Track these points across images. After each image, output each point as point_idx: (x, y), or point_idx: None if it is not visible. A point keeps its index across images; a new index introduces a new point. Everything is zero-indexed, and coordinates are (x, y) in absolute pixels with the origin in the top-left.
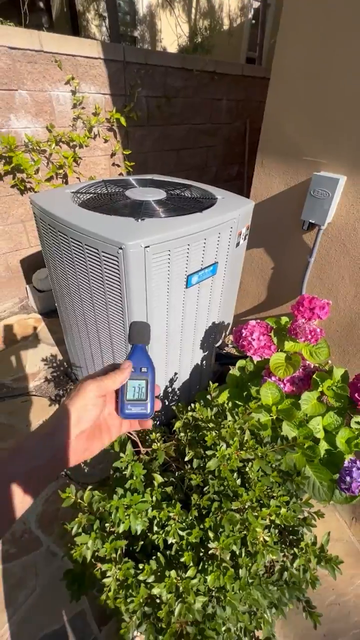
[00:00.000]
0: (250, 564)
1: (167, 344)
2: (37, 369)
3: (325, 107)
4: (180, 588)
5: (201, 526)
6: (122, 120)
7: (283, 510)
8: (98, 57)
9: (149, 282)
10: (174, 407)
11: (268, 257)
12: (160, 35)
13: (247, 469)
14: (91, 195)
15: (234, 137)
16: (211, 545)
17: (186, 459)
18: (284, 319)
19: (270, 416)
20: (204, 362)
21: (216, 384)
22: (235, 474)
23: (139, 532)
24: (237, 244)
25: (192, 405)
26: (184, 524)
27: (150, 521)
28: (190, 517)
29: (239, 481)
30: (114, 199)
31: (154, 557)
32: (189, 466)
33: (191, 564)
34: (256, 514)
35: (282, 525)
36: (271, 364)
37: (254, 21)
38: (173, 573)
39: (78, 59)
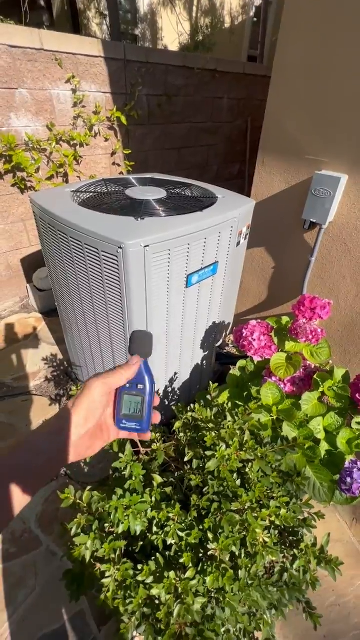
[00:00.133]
0: (249, 565)
1: (167, 343)
2: (38, 368)
3: (327, 105)
4: (180, 589)
5: (200, 527)
6: (123, 119)
7: (283, 511)
8: (99, 55)
9: (148, 282)
10: (173, 407)
11: (269, 257)
12: (161, 33)
13: (247, 470)
14: (91, 194)
15: (235, 136)
16: (210, 546)
17: (186, 459)
18: (285, 319)
19: (271, 416)
20: (205, 361)
21: (216, 384)
22: (235, 475)
23: (138, 533)
24: (238, 244)
25: (192, 405)
26: (183, 524)
27: (149, 522)
28: (190, 518)
29: (238, 482)
30: (114, 198)
31: (153, 558)
32: (189, 467)
33: (190, 564)
34: (256, 514)
35: (282, 526)
36: (272, 364)
37: (255, 19)
38: (172, 574)
39: (79, 58)
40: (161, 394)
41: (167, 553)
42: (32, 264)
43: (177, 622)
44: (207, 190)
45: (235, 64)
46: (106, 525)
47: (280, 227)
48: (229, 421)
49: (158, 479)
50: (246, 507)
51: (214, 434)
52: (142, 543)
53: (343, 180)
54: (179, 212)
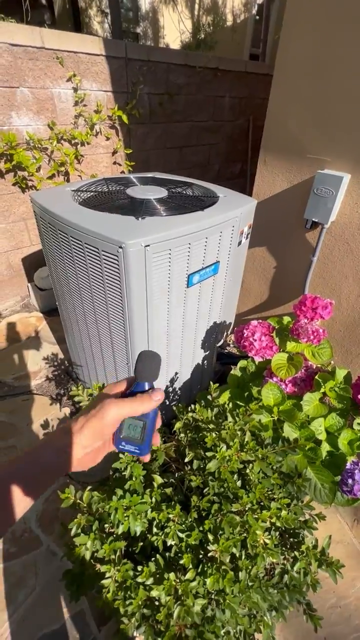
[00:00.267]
0: (250, 567)
1: (167, 343)
2: (38, 367)
3: (330, 103)
4: (180, 590)
5: (201, 528)
6: (124, 118)
7: (284, 513)
8: (100, 53)
9: (149, 282)
10: (174, 408)
11: (270, 256)
12: (163, 31)
13: (247, 471)
14: (92, 193)
15: (237, 135)
16: (211, 547)
17: (186, 460)
18: (286, 319)
19: (272, 417)
20: (205, 361)
21: (217, 384)
22: (235, 476)
23: (138, 534)
24: (239, 243)
25: (193, 406)
26: (183, 525)
27: (149, 522)
28: (190, 519)
29: (239, 483)
30: (115, 198)
31: (153, 559)
32: (189, 467)
33: (190, 566)
34: (256, 516)
35: (283, 528)
36: (273, 365)
37: (257, 17)
38: (172, 575)
39: (80, 56)
40: None
41: (167, 554)
42: (33, 263)
43: (176, 624)
44: (208, 190)
45: (237, 62)
46: (106, 525)
47: (281, 227)
48: (230, 422)
49: (158, 479)
50: (247, 509)
51: (214, 435)
52: (142, 544)
53: (345, 180)
54: (180, 211)
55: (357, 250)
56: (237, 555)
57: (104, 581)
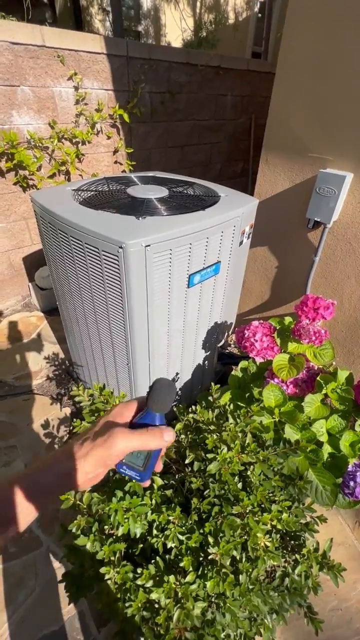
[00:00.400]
0: (250, 570)
1: (168, 344)
2: (39, 367)
3: (332, 102)
4: (179, 593)
5: (201, 531)
6: (125, 117)
7: (285, 515)
8: (101, 52)
9: (149, 282)
10: (174, 409)
11: (272, 256)
12: (164, 29)
13: (248, 473)
14: (92, 193)
15: (239, 133)
16: (211, 550)
17: (187, 461)
18: (288, 319)
19: (273, 418)
20: (206, 362)
21: (218, 385)
22: (236, 478)
23: (138, 536)
24: (241, 243)
25: (193, 407)
26: (183, 528)
27: (149, 524)
28: (190, 521)
29: (240, 485)
30: (115, 197)
31: (152, 561)
32: (190, 469)
33: (190, 568)
34: (257, 518)
35: (284, 530)
36: (274, 366)
37: (260, 15)
38: (172, 578)
39: (81, 54)
40: None
41: (167, 556)
42: (33, 263)
43: (176, 627)
44: (209, 189)
45: (239, 60)
46: (106, 527)
47: (283, 226)
48: (231, 423)
49: (158, 481)
50: (247, 511)
51: (215, 436)
52: (142, 545)
53: (348, 179)
54: (180, 211)
55: None
56: (238, 557)
57: (103, 583)
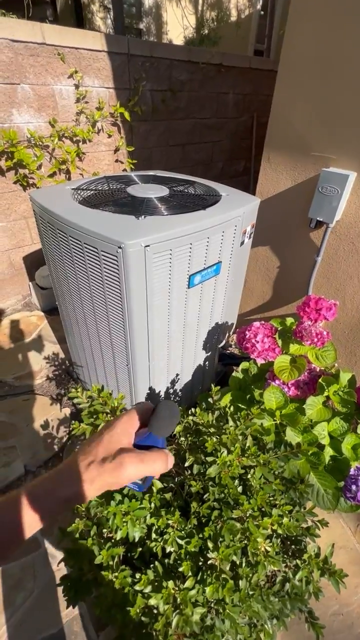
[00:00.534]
0: (250, 575)
1: (168, 345)
2: (39, 367)
3: (335, 100)
4: (178, 599)
5: (200, 535)
6: (126, 115)
7: (285, 520)
8: (102, 49)
9: (149, 282)
10: None
11: (274, 256)
12: (166, 27)
13: (248, 476)
14: (92, 192)
15: (241, 132)
16: (210, 555)
17: (186, 464)
18: (290, 320)
19: (274, 421)
20: (207, 362)
21: (218, 387)
22: (236, 481)
23: (136, 539)
24: (242, 243)
25: (193, 409)
26: (182, 532)
27: (148, 528)
28: (190, 525)
29: (240, 489)
30: (115, 196)
31: (151, 566)
32: (189, 472)
33: (190, 573)
34: (257, 523)
35: (285, 535)
36: (275, 367)
37: (262, 12)
38: (171, 583)
39: (81, 52)
40: (162, 396)
41: (166, 561)
42: (34, 262)
43: (175, 633)
44: (210, 188)
45: (241, 58)
46: (104, 530)
47: (285, 226)
48: (231, 426)
49: (158, 484)
50: (247, 515)
51: (215, 439)
52: (141, 549)
53: (351, 178)
54: (181, 210)
55: None
56: (238, 562)
57: (101, 588)
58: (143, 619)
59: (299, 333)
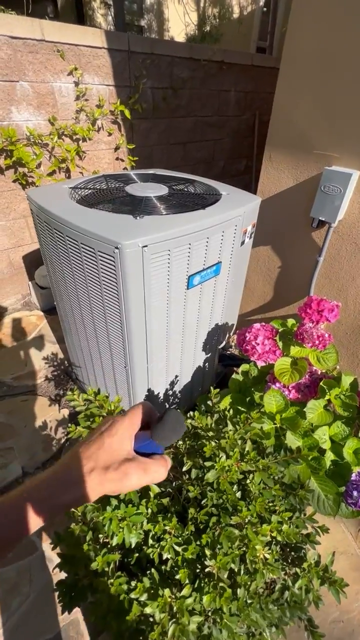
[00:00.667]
0: (249, 583)
1: (167, 346)
2: (38, 367)
3: (338, 97)
4: (175, 608)
5: (198, 542)
6: (127, 113)
7: (285, 527)
8: (102, 46)
9: (147, 283)
10: None
11: (275, 256)
12: (167, 24)
13: (247, 482)
14: (89, 191)
15: (243, 130)
16: (208, 563)
17: (184, 469)
18: (291, 321)
19: (274, 424)
20: (207, 364)
21: (217, 390)
22: (235, 487)
23: (133, 545)
24: (242, 243)
25: (192, 412)
26: (180, 538)
27: (145, 534)
28: (187, 532)
29: (239, 494)
30: (113, 195)
31: (148, 573)
32: (187, 476)
33: (187, 581)
34: (256, 530)
35: (284, 542)
36: (276, 370)
37: (265, 9)
38: (167, 592)
39: (81, 49)
40: (161, 398)
41: (162, 567)
42: (33, 261)
43: None
44: (210, 187)
45: (243, 55)
46: (100, 536)
47: (287, 226)
48: (230, 430)
49: (155, 489)
50: (246, 522)
51: (213, 444)
52: (137, 555)
53: (354, 177)
54: (180, 210)
55: None
56: (236, 570)
57: (97, 594)
58: (139, 627)
59: (300, 335)
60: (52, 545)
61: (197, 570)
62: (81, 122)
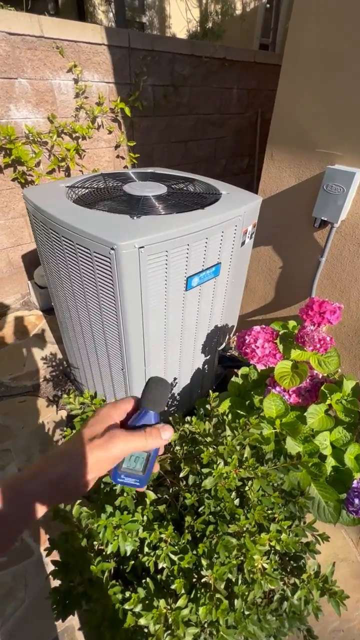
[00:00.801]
0: (246, 593)
1: (165, 348)
2: (36, 367)
3: (341, 95)
4: (170, 619)
5: (194, 551)
6: (127, 110)
7: (284, 536)
8: (102, 43)
9: (144, 285)
10: (170, 418)
11: (276, 256)
12: (169, 20)
13: (246, 489)
14: (87, 190)
15: (245, 128)
16: (204, 573)
17: (181, 475)
18: (292, 323)
19: (274, 429)
20: (206, 366)
21: (216, 393)
22: (233, 494)
23: (128, 554)
24: (243, 243)
25: (189, 417)
26: (176, 547)
27: (141, 541)
28: (183, 541)
29: (237, 501)
30: (111, 195)
31: (143, 582)
32: (184, 483)
33: (182, 591)
34: (254, 539)
35: (283, 551)
36: (276, 373)
37: (268, 5)
38: (162, 602)
39: (80, 45)
40: None
41: (158, 576)
42: (33, 261)
43: None
44: (210, 186)
45: (245, 52)
46: (95, 543)
47: (288, 225)
48: (229, 436)
49: (151, 495)
50: (244, 530)
51: (211, 450)
52: (133, 562)
53: (357, 176)
54: (179, 209)
55: None
56: (233, 580)
57: (90, 604)
58: (134, 637)
59: (301, 338)
60: (47, 551)
61: (194, 580)
62: (81, 119)
